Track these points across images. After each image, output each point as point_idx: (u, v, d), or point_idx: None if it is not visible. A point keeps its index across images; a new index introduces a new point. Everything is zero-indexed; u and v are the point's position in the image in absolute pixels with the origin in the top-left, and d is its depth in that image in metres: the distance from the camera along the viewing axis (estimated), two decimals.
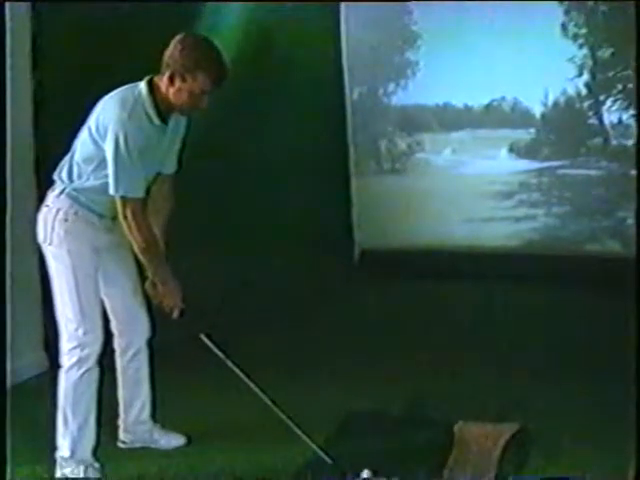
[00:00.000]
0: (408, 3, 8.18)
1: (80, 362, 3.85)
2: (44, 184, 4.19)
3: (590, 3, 7.72)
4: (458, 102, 8.41)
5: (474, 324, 6.60)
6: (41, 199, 4.03)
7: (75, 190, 3.80)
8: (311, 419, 4.29)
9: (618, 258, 7.58)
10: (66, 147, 3.90)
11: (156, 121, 3.71)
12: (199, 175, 6.63)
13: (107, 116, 3.66)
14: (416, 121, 8.57)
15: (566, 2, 7.74)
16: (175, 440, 4.32)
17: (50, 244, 3.82)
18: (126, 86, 3.78)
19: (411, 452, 3.95)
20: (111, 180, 3.64)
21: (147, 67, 3.81)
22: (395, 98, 8.54)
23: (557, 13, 7.77)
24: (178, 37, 3.68)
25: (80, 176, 3.79)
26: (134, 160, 3.61)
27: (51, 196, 3.86)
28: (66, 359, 3.88)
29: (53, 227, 3.80)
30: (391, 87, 8.50)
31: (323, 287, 7.50)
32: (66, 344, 3.88)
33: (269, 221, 7.62)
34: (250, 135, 7.58)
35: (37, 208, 4.01)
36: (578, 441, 4.05)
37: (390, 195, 8.66)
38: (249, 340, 5.84)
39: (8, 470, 3.55)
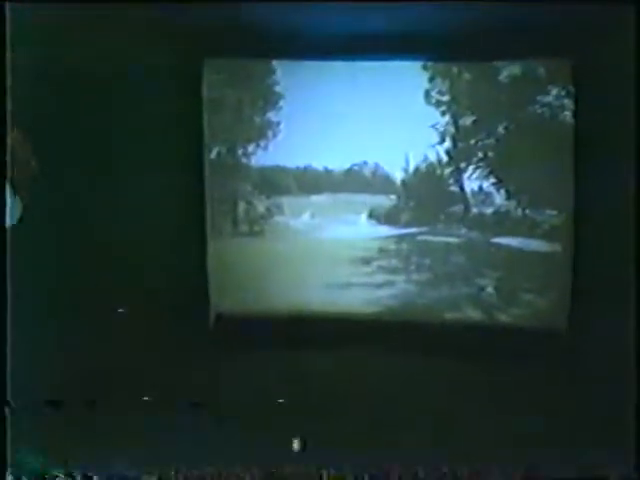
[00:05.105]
0: (272, 62, 8.14)
1: None
2: None
3: (455, 70, 7.88)
4: (318, 165, 8.36)
5: (332, 392, 6.77)
6: None
7: None
8: None
9: (478, 326, 7.79)
10: None
11: None
12: (49, 237, 6.60)
13: None
14: (275, 183, 8.45)
15: (430, 69, 7.91)
16: None
17: None
18: None
19: None
20: None
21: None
22: (255, 159, 8.37)
23: (421, 79, 7.89)
24: None
25: None
26: None
27: None
28: None
29: None
30: (251, 147, 8.34)
31: (175, 353, 7.31)
32: None
33: (121, 281, 7.37)
34: (102, 193, 7.38)
35: None
36: None
37: (247, 258, 8.44)
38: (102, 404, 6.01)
39: None
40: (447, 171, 8.06)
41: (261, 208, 8.50)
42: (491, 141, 7.83)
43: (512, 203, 7.83)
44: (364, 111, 7.86)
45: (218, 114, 8.30)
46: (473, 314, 7.94)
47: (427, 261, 8.17)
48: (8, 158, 3.80)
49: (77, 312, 6.82)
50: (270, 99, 8.24)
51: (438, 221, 8.15)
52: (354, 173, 8.32)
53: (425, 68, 7.92)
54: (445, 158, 8.03)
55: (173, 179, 7.84)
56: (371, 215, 8.36)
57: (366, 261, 8.26)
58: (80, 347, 6.62)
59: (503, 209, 7.86)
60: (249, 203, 8.50)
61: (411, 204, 8.27)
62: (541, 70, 7.63)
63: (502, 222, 7.85)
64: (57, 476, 4.63)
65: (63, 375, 6.22)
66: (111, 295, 7.29)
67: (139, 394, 6.31)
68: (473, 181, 7.97)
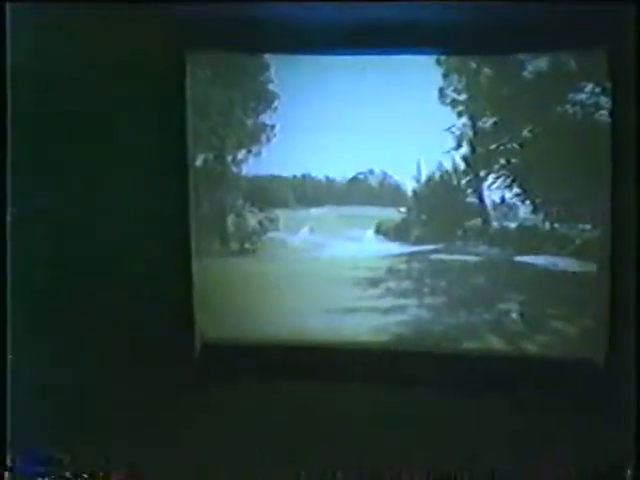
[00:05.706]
0: (265, 57, 7.74)
1: None
2: None
3: (473, 65, 7.56)
4: (318, 174, 8.01)
5: (333, 431, 6.50)
6: None
7: None
8: None
9: (500, 356, 7.46)
10: None
11: None
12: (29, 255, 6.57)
13: None
14: (270, 194, 8.10)
15: (445, 64, 7.60)
16: None
17: None
18: None
19: None
20: None
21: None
22: (246, 167, 7.97)
23: (435, 76, 7.57)
24: None
25: None
26: None
27: None
28: None
29: None
30: (242, 154, 7.93)
31: (159, 386, 7.05)
32: None
33: (100, 307, 7.14)
34: (81, 208, 7.19)
35: None
36: None
37: (238, 280, 8.01)
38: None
39: None
40: (464, 180, 7.73)
41: (253, 223, 8.13)
42: (514, 146, 7.48)
43: (539, 216, 7.49)
44: (370, 113, 7.47)
45: (204, 116, 7.89)
46: (495, 343, 7.50)
47: (442, 283, 7.76)
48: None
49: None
50: (263, 99, 7.88)
51: (454, 237, 7.83)
52: (359, 183, 8.07)
53: (439, 63, 7.58)
54: (462, 165, 7.68)
55: (153, 190, 7.39)
56: (378, 230, 8.06)
57: (373, 283, 7.85)
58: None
59: (528, 223, 7.52)
60: (240, 217, 8.12)
61: (423, 218, 7.96)
62: (572, 64, 7.22)
63: (527, 238, 7.51)
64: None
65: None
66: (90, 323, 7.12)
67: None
68: (494, 191, 7.64)
